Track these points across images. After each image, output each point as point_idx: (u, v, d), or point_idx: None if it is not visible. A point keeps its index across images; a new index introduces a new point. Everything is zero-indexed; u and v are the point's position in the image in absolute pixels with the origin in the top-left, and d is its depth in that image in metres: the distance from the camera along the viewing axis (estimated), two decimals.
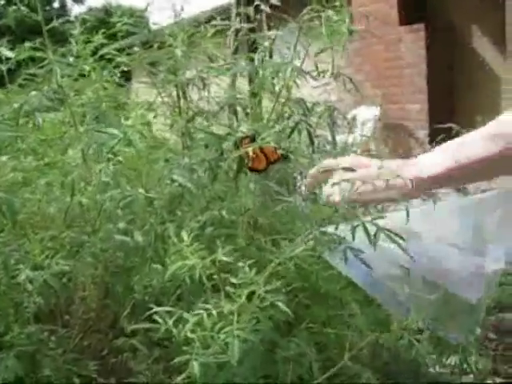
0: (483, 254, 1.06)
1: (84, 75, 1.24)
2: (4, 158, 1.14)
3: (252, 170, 1.10)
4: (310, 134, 1.05)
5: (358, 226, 0.95)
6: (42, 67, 1.09)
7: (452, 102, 6.05)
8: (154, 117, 1.21)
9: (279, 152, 1.08)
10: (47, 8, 20.92)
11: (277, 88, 1.12)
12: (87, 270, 1.05)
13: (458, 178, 1.02)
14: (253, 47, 1.28)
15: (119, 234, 1.02)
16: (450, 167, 0.99)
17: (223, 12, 6.28)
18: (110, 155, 1.05)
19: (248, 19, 1.28)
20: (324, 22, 1.05)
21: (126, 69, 1.27)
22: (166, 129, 1.22)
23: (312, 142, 1.07)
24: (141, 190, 1.00)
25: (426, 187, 1.01)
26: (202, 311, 0.88)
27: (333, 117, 1.10)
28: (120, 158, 1.07)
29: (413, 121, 6.30)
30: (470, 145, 1.00)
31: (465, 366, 1.24)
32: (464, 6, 6.01)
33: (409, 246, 0.96)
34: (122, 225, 1.02)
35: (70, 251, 1.04)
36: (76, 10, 23.09)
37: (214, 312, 0.88)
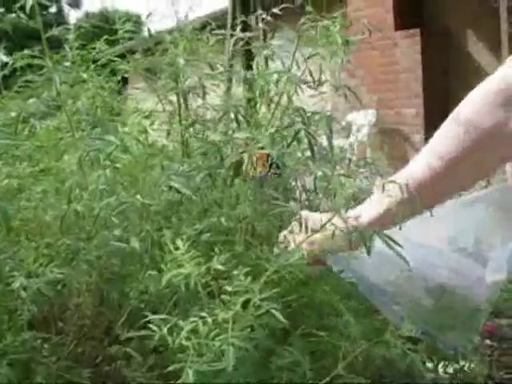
0: (484, 261, 1.05)
1: (81, 81, 1.23)
2: None
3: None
4: (310, 143, 1.05)
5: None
6: (40, 75, 1.09)
7: (447, 107, 5.97)
8: (151, 124, 1.21)
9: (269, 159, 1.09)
10: (44, 13, 20.87)
11: (276, 96, 1.11)
12: (82, 277, 1.04)
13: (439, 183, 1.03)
14: (249, 54, 1.28)
15: (115, 241, 1.02)
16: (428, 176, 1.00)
17: (218, 18, 6.27)
18: (107, 162, 1.04)
19: (249, 27, 1.28)
20: (323, 32, 1.05)
21: (126, 75, 1.27)
22: (165, 136, 1.21)
23: (313, 152, 1.06)
24: (138, 197, 1.00)
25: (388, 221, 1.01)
26: (196, 318, 0.88)
27: (331, 125, 1.10)
28: (117, 165, 1.07)
29: (408, 125, 6.30)
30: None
31: (461, 375, 1.24)
32: (460, 12, 6.02)
33: (410, 251, 0.96)
34: (117, 232, 1.02)
35: (65, 259, 1.04)
36: (73, 15, 23.12)
37: (209, 319, 0.87)
